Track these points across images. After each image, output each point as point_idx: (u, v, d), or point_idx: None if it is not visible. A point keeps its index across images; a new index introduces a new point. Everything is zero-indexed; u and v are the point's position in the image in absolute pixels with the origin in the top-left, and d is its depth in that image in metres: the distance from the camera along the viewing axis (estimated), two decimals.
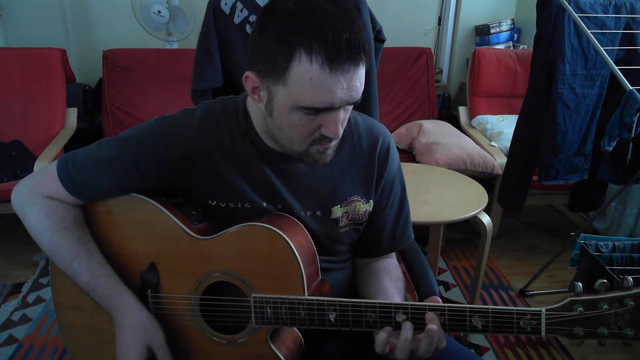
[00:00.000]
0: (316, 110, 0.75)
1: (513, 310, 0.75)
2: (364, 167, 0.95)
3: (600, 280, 0.73)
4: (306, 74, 0.71)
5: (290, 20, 0.71)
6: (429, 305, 0.77)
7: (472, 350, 1.88)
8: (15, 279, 2.29)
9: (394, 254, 1.07)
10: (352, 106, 0.80)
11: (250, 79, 0.79)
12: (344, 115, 0.79)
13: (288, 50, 0.71)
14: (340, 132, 0.79)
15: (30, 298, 2.16)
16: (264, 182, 0.90)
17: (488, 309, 0.75)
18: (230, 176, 0.89)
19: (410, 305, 0.78)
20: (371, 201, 0.98)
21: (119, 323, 0.86)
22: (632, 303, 0.71)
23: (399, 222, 1.03)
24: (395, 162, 1.00)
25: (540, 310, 0.74)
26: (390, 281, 0.96)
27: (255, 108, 0.86)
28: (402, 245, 1.05)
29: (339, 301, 0.80)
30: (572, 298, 0.74)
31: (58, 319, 0.98)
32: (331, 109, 0.75)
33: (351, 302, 0.79)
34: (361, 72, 0.75)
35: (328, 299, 0.80)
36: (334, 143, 0.83)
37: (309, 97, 0.73)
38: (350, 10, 0.73)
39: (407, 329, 0.77)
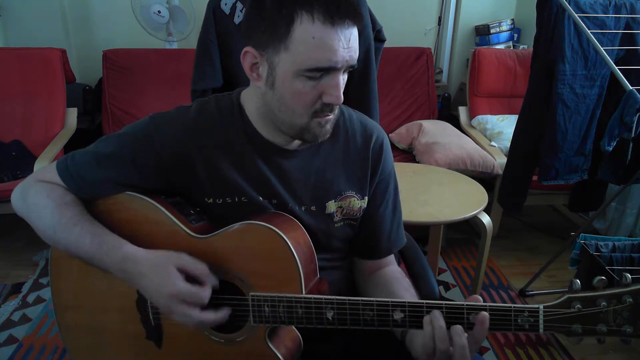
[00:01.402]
0: (319, 72, 0.77)
1: (511, 307, 0.74)
2: (358, 162, 0.96)
3: (598, 277, 0.72)
4: (309, 32, 0.74)
5: None
6: (426, 303, 0.77)
7: None
8: (15, 279, 2.30)
9: (393, 258, 1.05)
10: (347, 74, 0.82)
11: (249, 53, 0.81)
12: (343, 81, 0.81)
13: (289, 13, 0.74)
14: (342, 97, 0.81)
15: (30, 298, 2.16)
16: (258, 177, 0.90)
17: (486, 306, 0.75)
18: (226, 171, 0.89)
19: (408, 303, 0.78)
20: (366, 198, 0.98)
21: (137, 272, 0.81)
22: (631, 300, 0.71)
23: (393, 223, 1.03)
24: (390, 161, 1.01)
25: (538, 308, 0.74)
26: (405, 291, 0.94)
27: (250, 98, 0.87)
28: (396, 248, 1.04)
29: (337, 299, 0.80)
30: (570, 295, 0.73)
31: (58, 319, 0.98)
32: (333, 69, 0.77)
33: (349, 300, 0.79)
34: (356, 33, 0.79)
35: (326, 297, 0.80)
36: (332, 117, 0.85)
37: (312, 56, 0.75)
38: None
39: (437, 316, 0.75)
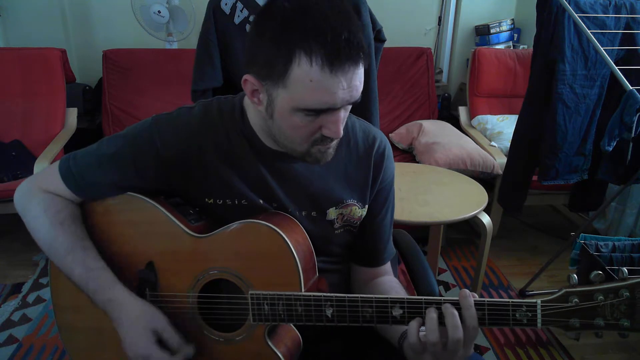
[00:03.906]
0: (317, 112, 0.75)
1: (509, 302, 0.75)
2: (360, 170, 0.95)
3: (595, 272, 0.73)
4: (306, 75, 0.71)
5: (287, 21, 0.71)
6: (424, 299, 0.77)
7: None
8: (15, 279, 2.30)
9: (390, 268, 1.05)
10: (351, 105, 0.80)
11: (249, 82, 0.78)
12: (344, 114, 0.79)
13: (287, 52, 0.71)
14: (341, 131, 0.79)
15: (30, 298, 2.16)
16: (259, 181, 0.90)
17: (484, 301, 0.75)
18: (225, 174, 0.89)
19: (407, 299, 0.78)
20: (366, 207, 0.97)
21: (117, 318, 0.85)
22: (627, 294, 0.71)
23: (390, 234, 1.03)
24: (391, 169, 0.99)
25: (536, 302, 0.74)
26: None
27: (253, 107, 0.86)
28: (389, 258, 1.04)
29: (336, 296, 0.80)
30: (568, 289, 0.74)
31: (57, 320, 0.98)
32: (332, 109, 0.75)
33: (348, 297, 0.79)
34: (361, 71, 0.74)
35: (325, 294, 0.80)
36: (335, 142, 0.83)
37: (309, 98, 0.73)
38: (347, 11, 0.73)
39: (431, 311, 0.75)
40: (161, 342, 0.84)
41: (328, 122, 0.77)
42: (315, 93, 0.72)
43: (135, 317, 0.84)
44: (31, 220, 0.90)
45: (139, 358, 0.83)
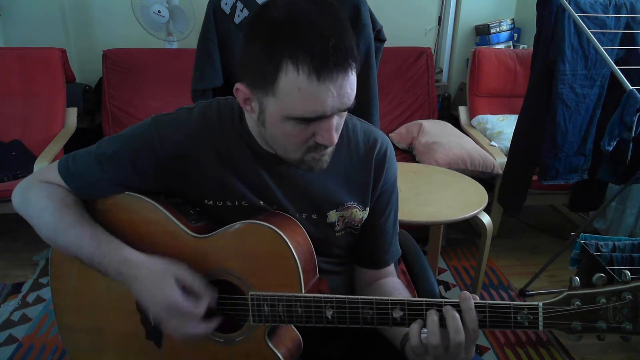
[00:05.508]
0: (308, 120, 0.74)
1: (510, 305, 0.74)
2: (361, 172, 0.94)
3: (597, 274, 0.72)
4: (294, 84, 0.70)
5: (276, 30, 0.70)
6: (425, 301, 0.77)
7: None
8: (15, 279, 2.29)
9: (393, 269, 1.05)
10: (346, 112, 0.79)
11: (240, 90, 0.78)
12: (338, 121, 0.78)
13: (274, 61, 0.70)
14: (335, 138, 0.78)
15: (30, 298, 2.16)
16: (259, 183, 0.90)
17: (485, 303, 0.75)
18: (224, 177, 0.89)
19: (407, 301, 0.78)
20: (367, 209, 0.97)
21: (134, 276, 0.82)
22: (630, 297, 0.70)
23: (393, 236, 1.03)
24: (393, 170, 0.99)
25: (538, 305, 0.74)
26: None
27: (250, 114, 0.85)
28: (393, 260, 1.04)
29: (336, 298, 0.79)
30: (570, 292, 0.73)
31: (57, 320, 0.98)
32: (323, 117, 0.75)
33: (348, 298, 0.79)
34: (351, 77, 0.73)
35: (325, 295, 0.80)
36: (330, 149, 0.83)
37: (299, 107, 0.73)
38: (337, 16, 0.72)
39: (432, 313, 0.76)
40: (184, 290, 0.81)
41: (321, 129, 0.77)
42: (304, 102, 0.72)
43: (155, 269, 0.81)
44: (34, 208, 0.88)
45: (166, 310, 0.79)
